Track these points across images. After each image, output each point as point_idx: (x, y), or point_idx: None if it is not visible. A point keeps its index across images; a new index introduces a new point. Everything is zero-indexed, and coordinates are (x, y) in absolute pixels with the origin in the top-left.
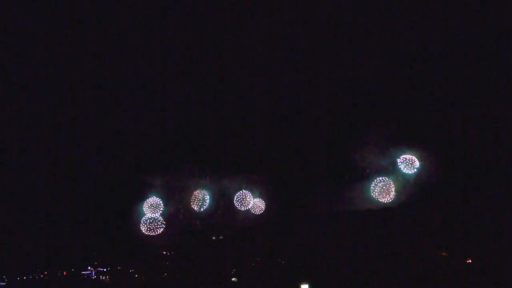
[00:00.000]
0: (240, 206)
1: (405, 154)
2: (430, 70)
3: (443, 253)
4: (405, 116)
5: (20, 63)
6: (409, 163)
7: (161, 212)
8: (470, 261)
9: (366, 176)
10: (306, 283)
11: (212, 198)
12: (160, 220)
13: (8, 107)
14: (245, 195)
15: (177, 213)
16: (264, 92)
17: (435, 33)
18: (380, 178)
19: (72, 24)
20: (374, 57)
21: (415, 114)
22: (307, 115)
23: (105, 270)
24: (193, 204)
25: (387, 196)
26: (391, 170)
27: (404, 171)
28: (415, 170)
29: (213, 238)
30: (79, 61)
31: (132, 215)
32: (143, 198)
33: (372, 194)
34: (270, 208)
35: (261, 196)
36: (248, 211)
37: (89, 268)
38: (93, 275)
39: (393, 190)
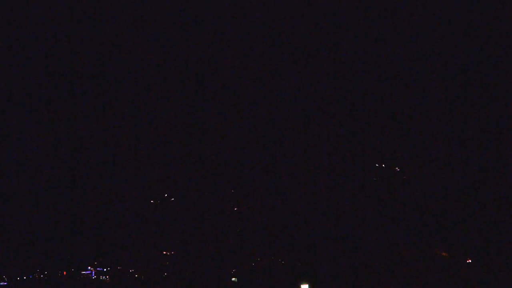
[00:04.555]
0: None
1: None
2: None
3: (443, 253)
4: (405, 115)
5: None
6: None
7: None
8: (470, 261)
9: (367, 176)
10: (306, 283)
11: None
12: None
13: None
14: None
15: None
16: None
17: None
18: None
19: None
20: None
21: (415, 113)
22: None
23: (105, 270)
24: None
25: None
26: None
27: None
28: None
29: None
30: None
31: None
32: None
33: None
34: (270, 207)
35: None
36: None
37: (89, 268)
38: (93, 275)
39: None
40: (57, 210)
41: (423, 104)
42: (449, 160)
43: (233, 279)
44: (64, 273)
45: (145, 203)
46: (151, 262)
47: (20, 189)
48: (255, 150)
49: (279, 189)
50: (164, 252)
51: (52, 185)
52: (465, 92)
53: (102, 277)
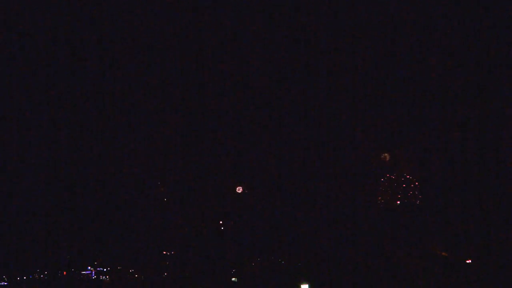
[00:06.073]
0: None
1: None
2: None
3: (443, 253)
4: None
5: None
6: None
7: None
8: (470, 261)
9: (367, 175)
10: (306, 283)
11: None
12: None
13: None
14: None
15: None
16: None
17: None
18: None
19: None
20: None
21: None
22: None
23: (105, 270)
24: None
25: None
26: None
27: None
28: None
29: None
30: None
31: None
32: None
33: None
34: (271, 207)
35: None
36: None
37: (89, 268)
38: (93, 275)
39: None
40: (57, 210)
41: (423, 102)
42: (449, 160)
43: (233, 279)
44: (64, 273)
45: (145, 203)
46: (151, 262)
47: (20, 189)
48: (256, 148)
49: (279, 190)
50: (164, 252)
51: (52, 185)
52: (465, 91)
53: (102, 277)
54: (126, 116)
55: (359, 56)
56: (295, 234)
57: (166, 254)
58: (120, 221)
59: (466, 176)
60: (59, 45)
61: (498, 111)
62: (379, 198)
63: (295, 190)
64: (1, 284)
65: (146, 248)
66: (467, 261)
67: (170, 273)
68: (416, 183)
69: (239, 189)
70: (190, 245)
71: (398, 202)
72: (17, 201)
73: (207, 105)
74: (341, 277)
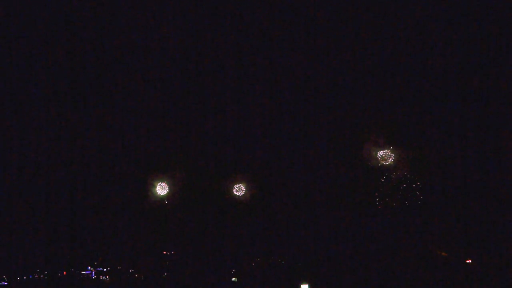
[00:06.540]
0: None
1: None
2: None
3: (443, 253)
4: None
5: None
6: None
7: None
8: (470, 261)
9: (368, 174)
10: (306, 283)
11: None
12: None
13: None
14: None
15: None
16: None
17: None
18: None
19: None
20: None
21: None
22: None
23: (105, 270)
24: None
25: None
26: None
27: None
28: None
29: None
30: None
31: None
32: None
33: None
34: (270, 207)
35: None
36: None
37: (89, 268)
38: (93, 275)
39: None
40: (57, 210)
41: (422, 102)
42: (449, 160)
43: (233, 279)
44: (64, 273)
45: (145, 203)
46: (151, 262)
47: (20, 189)
48: (256, 148)
49: (279, 190)
50: (164, 252)
51: (52, 186)
52: (464, 92)
53: (102, 277)
54: (127, 115)
55: (360, 55)
56: (295, 234)
57: (166, 254)
58: (120, 221)
59: (466, 176)
60: (58, 45)
61: (498, 111)
62: (379, 198)
63: (295, 190)
64: (1, 284)
65: (146, 248)
66: (467, 261)
67: (170, 273)
68: (417, 183)
69: (239, 189)
70: (190, 245)
71: (398, 202)
72: (17, 200)
73: (207, 105)
74: (341, 277)
